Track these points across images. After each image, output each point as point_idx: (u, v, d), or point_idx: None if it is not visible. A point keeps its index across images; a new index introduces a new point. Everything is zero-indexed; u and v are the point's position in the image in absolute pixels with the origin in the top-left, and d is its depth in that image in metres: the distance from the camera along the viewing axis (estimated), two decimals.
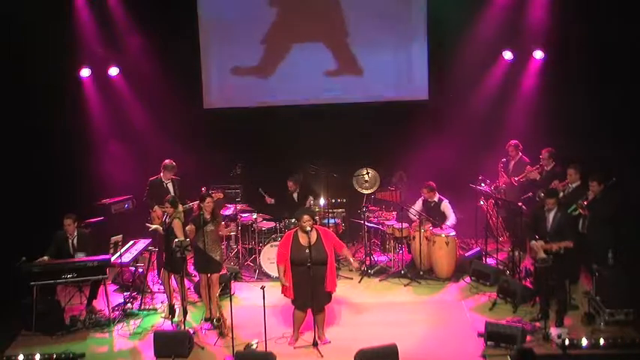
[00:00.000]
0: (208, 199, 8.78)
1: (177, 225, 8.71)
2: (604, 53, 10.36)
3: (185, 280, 9.38)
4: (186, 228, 8.75)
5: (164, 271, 9.05)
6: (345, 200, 11.60)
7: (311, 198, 11.15)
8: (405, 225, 10.48)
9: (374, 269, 10.48)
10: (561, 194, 9.51)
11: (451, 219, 10.37)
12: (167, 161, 10.39)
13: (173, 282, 9.08)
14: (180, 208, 8.99)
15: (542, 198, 8.73)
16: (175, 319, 8.95)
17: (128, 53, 11.74)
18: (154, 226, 9.37)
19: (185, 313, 8.78)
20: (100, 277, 8.95)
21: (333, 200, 11.42)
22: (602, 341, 7.84)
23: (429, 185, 10.41)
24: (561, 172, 9.93)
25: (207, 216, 8.75)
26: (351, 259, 8.61)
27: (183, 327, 8.56)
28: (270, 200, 11.14)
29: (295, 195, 11.04)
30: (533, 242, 8.34)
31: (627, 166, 9.73)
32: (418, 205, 10.53)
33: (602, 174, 8.97)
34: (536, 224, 8.49)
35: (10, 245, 9.30)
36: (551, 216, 8.36)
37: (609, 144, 10.14)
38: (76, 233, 9.21)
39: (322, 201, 11.22)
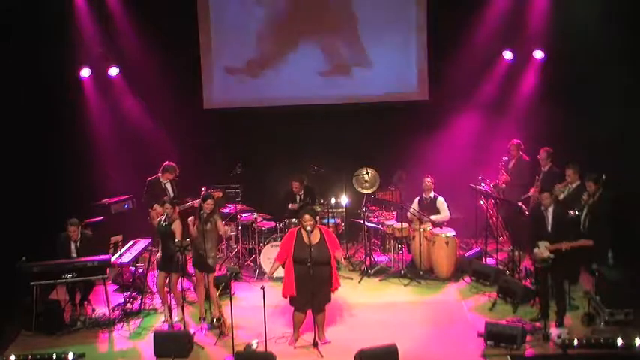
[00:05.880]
0: (209, 201, 8.78)
1: (177, 225, 8.74)
2: (604, 53, 10.37)
3: (185, 280, 9.39)
4: (189, 219, 8.80)
5: (160, 274, 8.94)
6: (348, 201, 11.57)
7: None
8: (405, 225, 10.49)
9: (374, 269, 10.48)
10: (562, 196, 9.53)
11: (444, 215, 10.40)
12: (167, 163, 10.38)
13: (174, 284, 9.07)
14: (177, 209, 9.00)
15: (538, 195, 8.78)
16: (175, 318, 8.95)
17: (128, 53, 11.73)
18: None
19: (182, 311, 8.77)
20: (100, 276, 8.95)
21: (334, 200, 11.43)
22: (602, 341, 7.83)
23: (431, 179, 10.46)
24: (559, 173, 9.95)
25: (206, 215, 8.74)
26: (341, 258, 8.66)
27: (183, 327, 8.56)
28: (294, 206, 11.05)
29: (298, 197, 11.03)
30: (536, 250, 8.33)
31: (627, 165, 9.75)
32: (415, 205, 10.54)
33: (597, 174, 8.99)
34: (537, 227, 8.47)
35: (10, 245, 9.30)
36: (549, 215, 8.35)
37: (609, 144, 10.14)
38: (79, 236, 9.20)
39: (344, 200, 11.22)
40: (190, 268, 9.81)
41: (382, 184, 11.39)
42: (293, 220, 10.47)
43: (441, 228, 10.36)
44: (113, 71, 11.80)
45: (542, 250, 8.24)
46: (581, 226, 9.00)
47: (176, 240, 8.52)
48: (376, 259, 10.76)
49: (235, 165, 11.06)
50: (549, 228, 8.32)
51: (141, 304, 9.42)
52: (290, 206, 10.76)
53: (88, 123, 11.69)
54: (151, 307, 9.43)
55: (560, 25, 10.91)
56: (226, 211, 10.82)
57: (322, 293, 8.08)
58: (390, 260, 10.69)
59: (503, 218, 11.21)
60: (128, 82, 11.91)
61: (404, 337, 8.11)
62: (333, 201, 11.28)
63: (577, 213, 8.99)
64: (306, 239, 8.02)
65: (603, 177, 8.95)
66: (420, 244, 10.18)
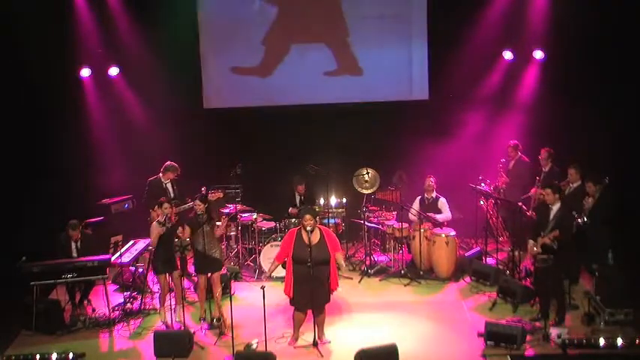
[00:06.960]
0: (197, 202, 8.77)
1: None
2: (604, 53, 10.37)
3: (185, 280, 9.39)
4: (178, 230, 8.78)
5: (160, 277, 8.85)
6: (345, 200, 11.59)
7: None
8: (405, 225, 10.50)
9: (374, 269, 10.48)
10: None
11: (445, 215, 10.46)
12: (169, 163, 10.39)
13: (170, 282, 9.05)
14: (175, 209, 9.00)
15: (540, 192, 8.79)
16: (176, 318, 8.95)
17: (128, 53, 11.74)
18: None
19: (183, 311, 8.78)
20: (100, 276, 8.95)
21: (334, 200, 11.43)
22: (602, 341, 7.83)
23: (433, 179, 10.53)
24: (559, 173, 9.95)
25: (204, 217, 8.74)
26: (342, 263, 8.31)
27: (183, 327, 8.56)
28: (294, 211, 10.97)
29: (299, 198, 11.01)
30: (531, 241, 8.35)
31: (627, 165, 9.74)
32: (416, 204, 10.56)
33: (596, 175, 8.99)
34: (539, 222, 8.47)
35: (10, 245, 9.30)
36: (552, 213, 8.34)
37: (608, 144, 10.14)
38: (80, 236, 9.20)
39: (344, 200, 11.23)
40: (190, 268, 9.82)
41: (382, 184, 11.39)
42: (293, 220, 10.48)
43: (441, 228, 10.37)
44: (113, 71, 11.81)
45: (535, 246, 8.27)
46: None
47: (176, 240, 8.52)
48: (376, 259, 10.76)
49: (235, 165, 11.06)
50: (549, 225, 8.32)
51: (141, 304, 9.41)
52: (290, 210, 10.76)
53: (88, 123, 11.69)
54: (150, 307, 9.42)
55: (560, 25, 10.91)
56: (226, 211, 10.82)
57: (322, 293, 8.07)
58: (390, 260, 10.69)
59: (503, 218, 11.22)
60: (128, 82, 11.91)
61: (404, 337, 8.12)
62: (333, 201, 11.28)
63: (585, 219, 8.78)
64: (305, 239, 8.00)
65: (606, 180, 8.94)
66: (420, 244, 10.18)
